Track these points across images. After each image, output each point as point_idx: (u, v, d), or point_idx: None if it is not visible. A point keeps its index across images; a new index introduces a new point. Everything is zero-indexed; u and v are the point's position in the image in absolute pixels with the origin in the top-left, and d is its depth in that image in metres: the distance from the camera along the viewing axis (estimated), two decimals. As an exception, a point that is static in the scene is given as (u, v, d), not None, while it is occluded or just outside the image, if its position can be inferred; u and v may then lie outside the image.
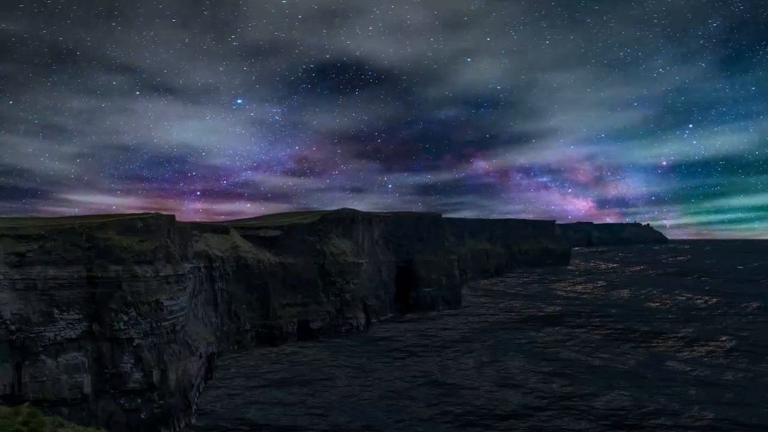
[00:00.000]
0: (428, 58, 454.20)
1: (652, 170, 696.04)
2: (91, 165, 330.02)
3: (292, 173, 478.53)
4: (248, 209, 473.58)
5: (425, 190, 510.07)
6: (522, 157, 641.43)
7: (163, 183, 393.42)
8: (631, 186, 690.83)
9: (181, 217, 59.16)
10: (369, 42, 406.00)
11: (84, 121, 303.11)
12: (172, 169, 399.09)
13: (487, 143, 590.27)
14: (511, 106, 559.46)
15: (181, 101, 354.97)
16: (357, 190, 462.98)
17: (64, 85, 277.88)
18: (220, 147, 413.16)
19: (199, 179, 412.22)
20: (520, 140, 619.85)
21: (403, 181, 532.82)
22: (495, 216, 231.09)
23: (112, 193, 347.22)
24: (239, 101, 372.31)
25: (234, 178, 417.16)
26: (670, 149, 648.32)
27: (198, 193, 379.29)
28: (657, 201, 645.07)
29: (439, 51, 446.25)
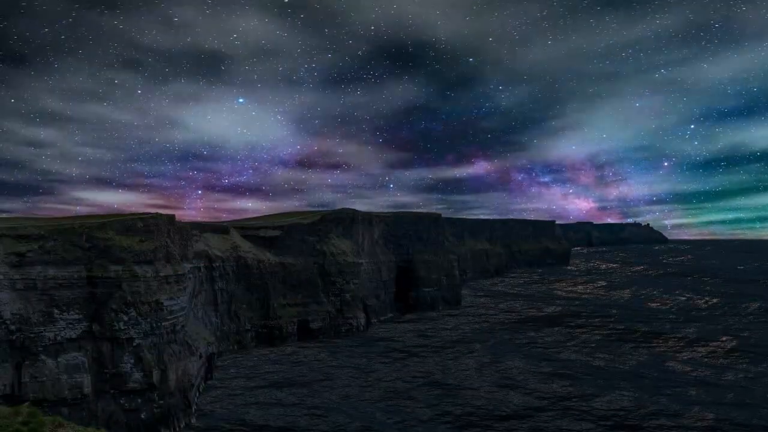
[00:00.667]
0: (430, 57, 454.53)
1: (654, 170, 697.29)
2: (93, 163, 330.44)
3: (295, 170, 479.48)
4: (251, 207, 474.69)
5: (428, 188, 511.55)
6: (523, 157, 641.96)
7: (166, 181, 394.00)
8: (632, 186, 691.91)
9: (183, 216, 59.19)
10: (368, 41, 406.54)
11: (85, 118, 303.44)
12: (174, 167, 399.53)
13: (488, 143, 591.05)
14: (513, 106, 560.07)
15: (183, 98, 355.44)
16: (360, 188, 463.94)
17: (66, 83, 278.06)
18: (222, 145, 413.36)
19: (202, 177, 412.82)
20: (521, 140, 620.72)
21: (405, 178, 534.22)
22: (499, 216, 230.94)
23: (114, 191, 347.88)
24: (240, 100, 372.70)
25: (236, 177, 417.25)
26: (672, 149, 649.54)
27: (200, 192, 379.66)
28: (658, 201, 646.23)
29: (441, 51, 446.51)
